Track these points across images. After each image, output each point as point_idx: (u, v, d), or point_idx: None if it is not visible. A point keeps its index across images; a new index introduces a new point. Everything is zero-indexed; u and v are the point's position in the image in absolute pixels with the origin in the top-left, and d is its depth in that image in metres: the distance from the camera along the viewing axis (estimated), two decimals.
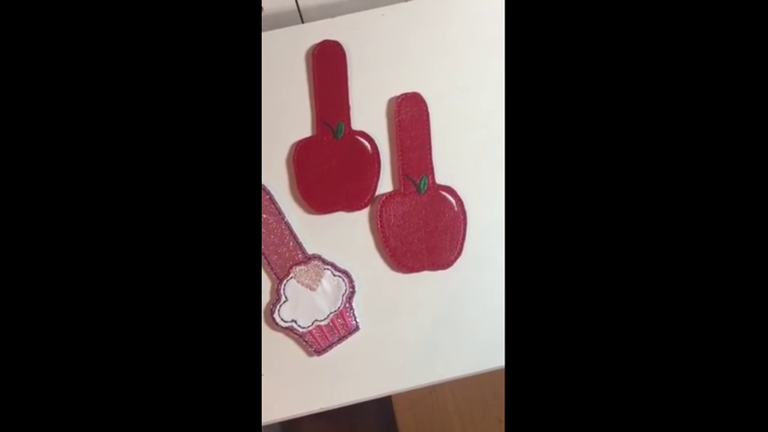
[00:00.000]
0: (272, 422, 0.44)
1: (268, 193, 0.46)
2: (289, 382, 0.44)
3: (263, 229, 0.46)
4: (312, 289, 0.45)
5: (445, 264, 0.45)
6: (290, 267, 0.45)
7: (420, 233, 0.46)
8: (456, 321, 0.45)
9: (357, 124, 0.48)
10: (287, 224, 0.46)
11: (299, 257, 0.45)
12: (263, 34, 0.50)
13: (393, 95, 0.48)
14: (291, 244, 0.46)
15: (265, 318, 0.45)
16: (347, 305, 0.45)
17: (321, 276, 0.45)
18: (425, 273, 0.45)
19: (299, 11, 0.54)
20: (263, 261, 0.45)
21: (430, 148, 0.47)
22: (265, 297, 0.45)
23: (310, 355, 0.44)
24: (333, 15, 0.51)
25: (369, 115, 0.48)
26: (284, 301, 0.45)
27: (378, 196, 0.47)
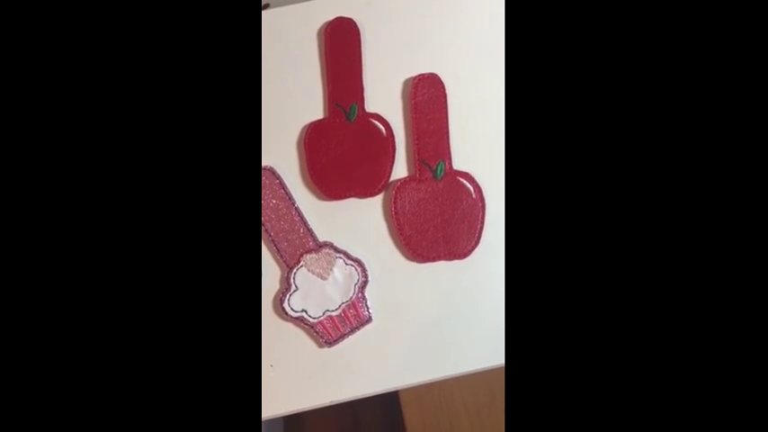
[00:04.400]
0: (279, 415, 0.42)
1: (278, 177, 0.44)
2: (298, 374, 0.42)
3: (272, 216, 0.44)
4: (323, 278, 0.43)
5: (462, 253, 0.43)
6: (301, 255, 0.43)
7: (436, 221, 0.44)
8: (473, 313, 0.43)
9: (371, 106, 0.46)
10: (297, 210, 0.44)
11: (310, 245, 0.44)
12: (274, 11, 0.48)
13: (409, 76, 0.46)
14: (302, 231, 0.44)
15: (275, 307, 0.43)
16: (359, 295, 0.43)
17: (333, 265, 0.43)
18: (441, 262, 0.44)
19: None
20: (273, 248, 0.44)
21: (447, 132, 0.45)
22: (275, 285, 0.43)
23: (321, 346, 0.43)
24: None
25: (383, 97, 0.46)
26: (294, 290, 0.43)
27: (392, 182, 0.45)
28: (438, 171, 0.44)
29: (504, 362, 0.42)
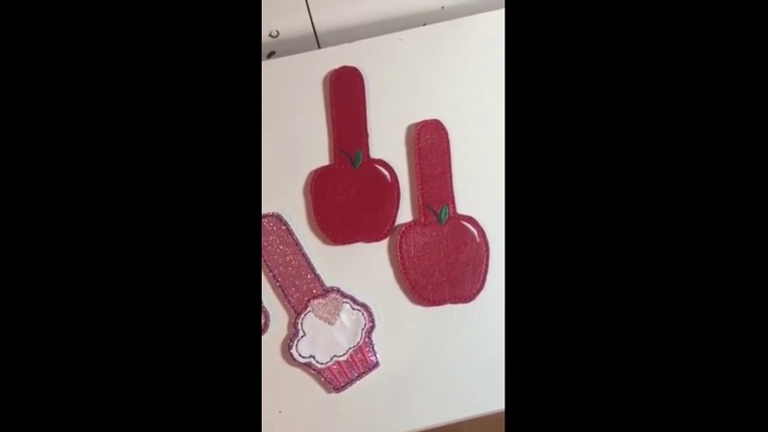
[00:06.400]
0: None
1: (285, 223, 0.45)
2: (307, 420, 0.43)
3: (280, 261, 0.44)
4: (331, 323, 0.44)
5: (467, 297, 0.44)
6: (308, 301, 0.44)
7: (441, 265, 0.44)
8: (480, 356, 0.43)
9: (376, 152, 0.47)
10: (304, 255, 0.45)
11: (317, 290, 0.44)
12: (279, 60, 0.50)
13: (412, 122, 0.47)
14: (309, 276, 0.44)
15: (283, 353, 0.44)
16: (367, 340, 0.43)
17: (340, 310, 0.44)
18: (447, 306, 0.44)
19: (315, 36, 0.53)
20: (281, 294, 0.44)
21: (451, 177, 0.46)
22: (283, 331, 0.44)
23: (329, 392, 0.43)
24: (350, 40, 0.50)
25: (388, 143, 0.47)
26: (302, 336, 0.43)
27: (397, 226, 0.45)
28: (442, 215, 0.45)
29: None
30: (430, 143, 0.46)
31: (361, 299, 0.44)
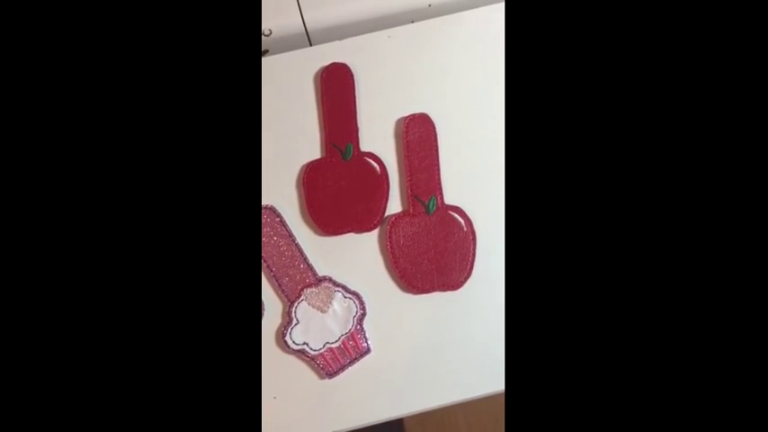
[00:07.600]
0: None
1: (278, 215, 0.47)
2: (300, 405, 0.44)
3: (273, 252, 0.46)
4: (323, 311, 0.45)
5: (455, 284, 0.45)
6: (301, 290, 0.45)
7: (430, 254, 0.46)
8: (467, 342, 0.45)
9: (365, 145, 0.48)
10: (297, 246, 0.46)
11: (310, 279, 0.46)
12: (272, 58, 0.51)
13: (401, 116, 0.49)
14: (302, 266, 0.46)
15: (277, 340, 0.45)
16: (358, 327, 0.45)
17: (332, 298, 0.45)
18: (436, 293, 0.45)
19: (306, 34, 0.55)
20: (275, 283, 0.46)
21: (438, 169, 0.47)
22: (277, 320, 0.45)
23: (322, 378, 0.44)
24: (340, 38, 0.51)
25: (377, 136, 0.49)
26: (295, 324, 0.45)
27: (387, 217, 0.47)
28: (430, 206, 0.47)
29: (499, 388, 0.44)
30: (418, 136, 0.48)
31: (352, 287, 0.45)
